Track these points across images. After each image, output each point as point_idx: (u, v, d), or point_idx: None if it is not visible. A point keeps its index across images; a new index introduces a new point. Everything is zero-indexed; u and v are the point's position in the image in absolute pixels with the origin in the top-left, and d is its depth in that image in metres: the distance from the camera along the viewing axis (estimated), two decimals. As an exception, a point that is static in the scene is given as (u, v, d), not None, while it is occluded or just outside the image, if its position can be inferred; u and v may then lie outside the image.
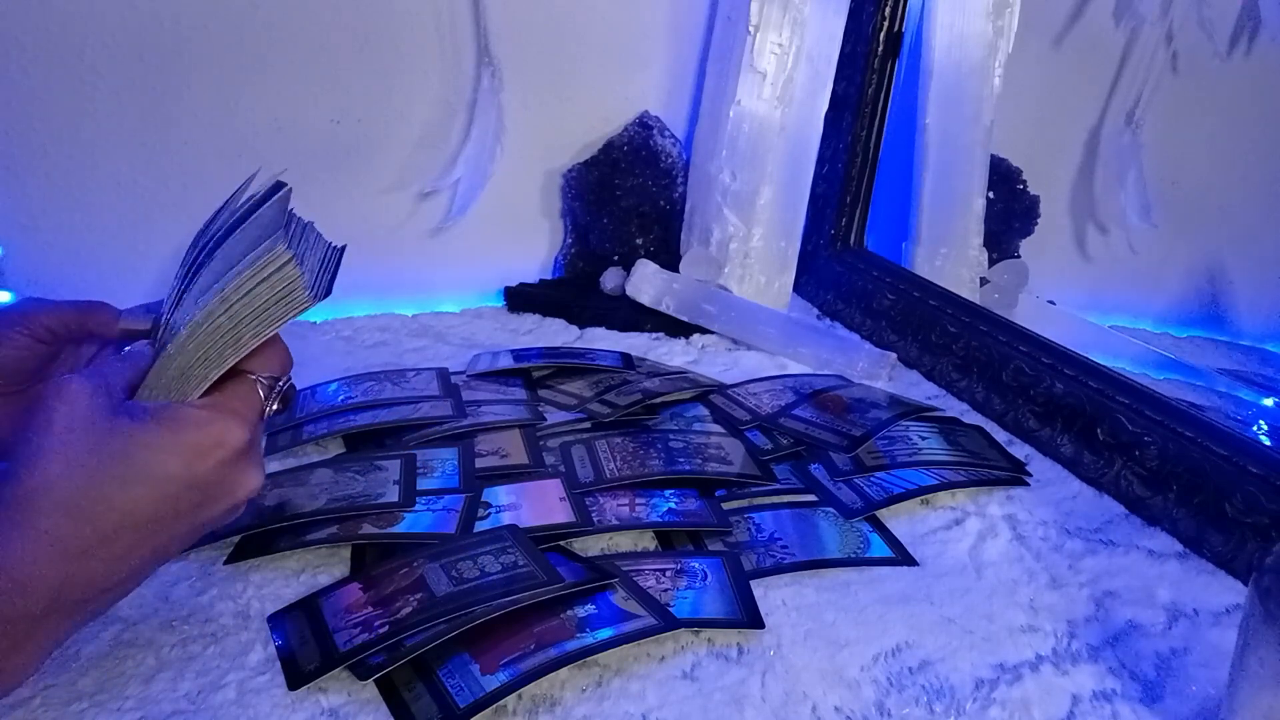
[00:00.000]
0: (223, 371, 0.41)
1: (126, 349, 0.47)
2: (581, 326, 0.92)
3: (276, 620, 0.47)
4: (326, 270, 0.43)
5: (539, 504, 0.57)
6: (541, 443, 0.65)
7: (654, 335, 0.90)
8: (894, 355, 0.84)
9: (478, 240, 0.95)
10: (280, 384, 0.43)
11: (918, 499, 0.62)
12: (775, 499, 0.61)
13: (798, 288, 0.99)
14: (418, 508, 0.56)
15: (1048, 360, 0.73)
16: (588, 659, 0.44)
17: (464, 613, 0.45)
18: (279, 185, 0.44)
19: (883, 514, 0.60)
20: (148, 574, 0.42)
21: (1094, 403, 0.68)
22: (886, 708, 0.44)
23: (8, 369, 0.47)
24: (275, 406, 0.43)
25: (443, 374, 0.75)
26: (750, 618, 0.49)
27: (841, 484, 0.63)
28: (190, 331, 0.40)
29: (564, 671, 0.44)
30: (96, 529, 0.37)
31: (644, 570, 0.52)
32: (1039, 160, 0.96)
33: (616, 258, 0.95)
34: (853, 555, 0.56)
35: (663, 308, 0.91)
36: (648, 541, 0.56)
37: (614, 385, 0.74)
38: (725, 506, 0.59)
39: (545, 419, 0.69)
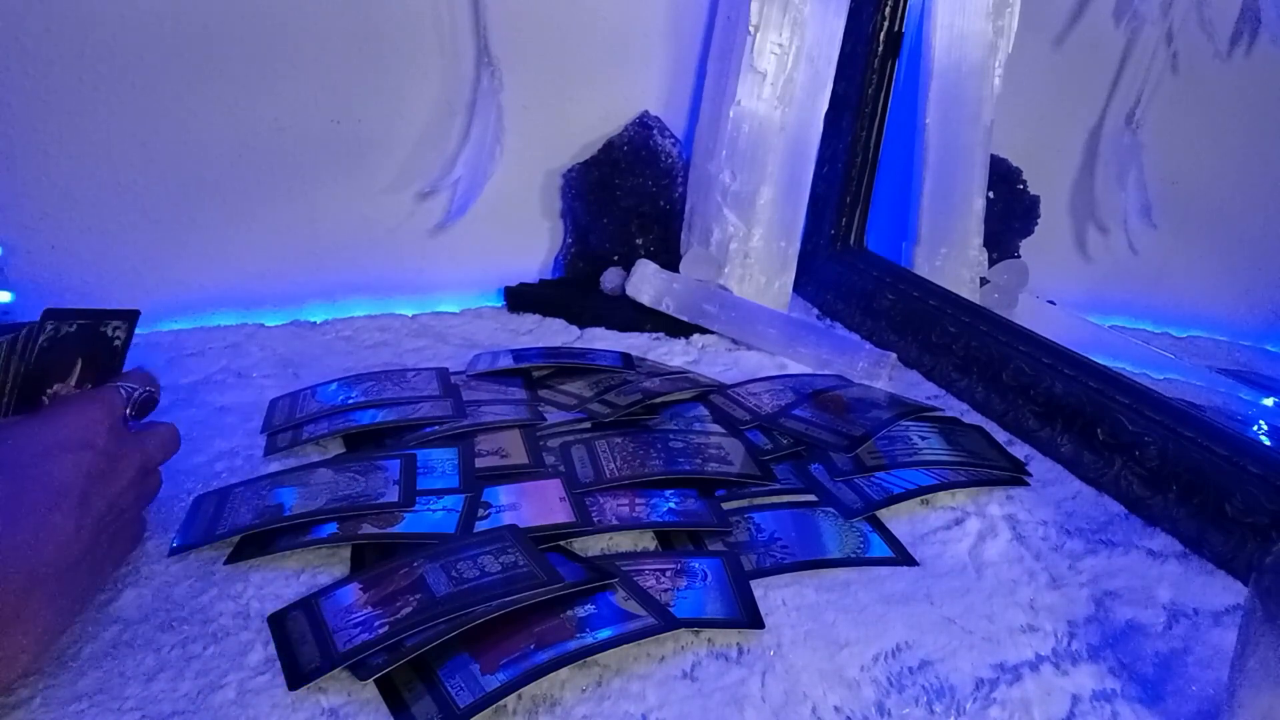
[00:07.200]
0: None
1: None
2: (581, 326, 0.92)
3: (276, 620, 0.47)
4: None
5: (539, 504, 0.57)
6: (541, 443, 0.65)
7: (654, 335, 0.90)
8: (894, 355, 0.84)
9: (478, 240, 0.95)
10: (136, 393, 0.52)
11: (918, 499, 0.62)
12: (775, 499, 0.61)
13: (798, 288, 0.99)
14: (418, 508, 0.56)
15: (1048, 360, 0.73)
16: (588, 659, 0.44)
17: (464, 613, 0.45)
18: None
19: (883, 514, 0.60)
20: (102, 550, 0.47)
21: (1094, 403, 0.68)
22: (886, 708, 0.44)
23: None
24: (131, 411, 0.52)
25: (443, 374, 0.75)
26: (750, 618, 0.49)
27: (841, 484, 0.63)
28: None
29: (564, 671, 0.44)
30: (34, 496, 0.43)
31: (644, 570, 0.52)
32: (1039, 160, 0.96)
33: (616, 258, 0.95)
34: (853, 555, 0.56)
35: (663, 308, 0.91)
36: (648, 541, 0.56)
37: (614, 385, 0.74)
38: (725, 506, 0.59)
39: (545, 419, 0.69)
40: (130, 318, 0.53)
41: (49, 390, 0.49)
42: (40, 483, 0.43)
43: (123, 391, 0.51)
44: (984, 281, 0.95)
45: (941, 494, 0.63)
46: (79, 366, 0.50)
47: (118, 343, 0.53)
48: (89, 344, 0.51)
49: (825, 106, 0.92)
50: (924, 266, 0.94)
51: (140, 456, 0.50)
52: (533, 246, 0.99)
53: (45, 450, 0.44)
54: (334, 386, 0.72)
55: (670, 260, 0.94)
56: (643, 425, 0.69)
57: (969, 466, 0.66)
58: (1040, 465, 0.69)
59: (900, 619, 0.50)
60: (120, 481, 0.48)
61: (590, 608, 0.47)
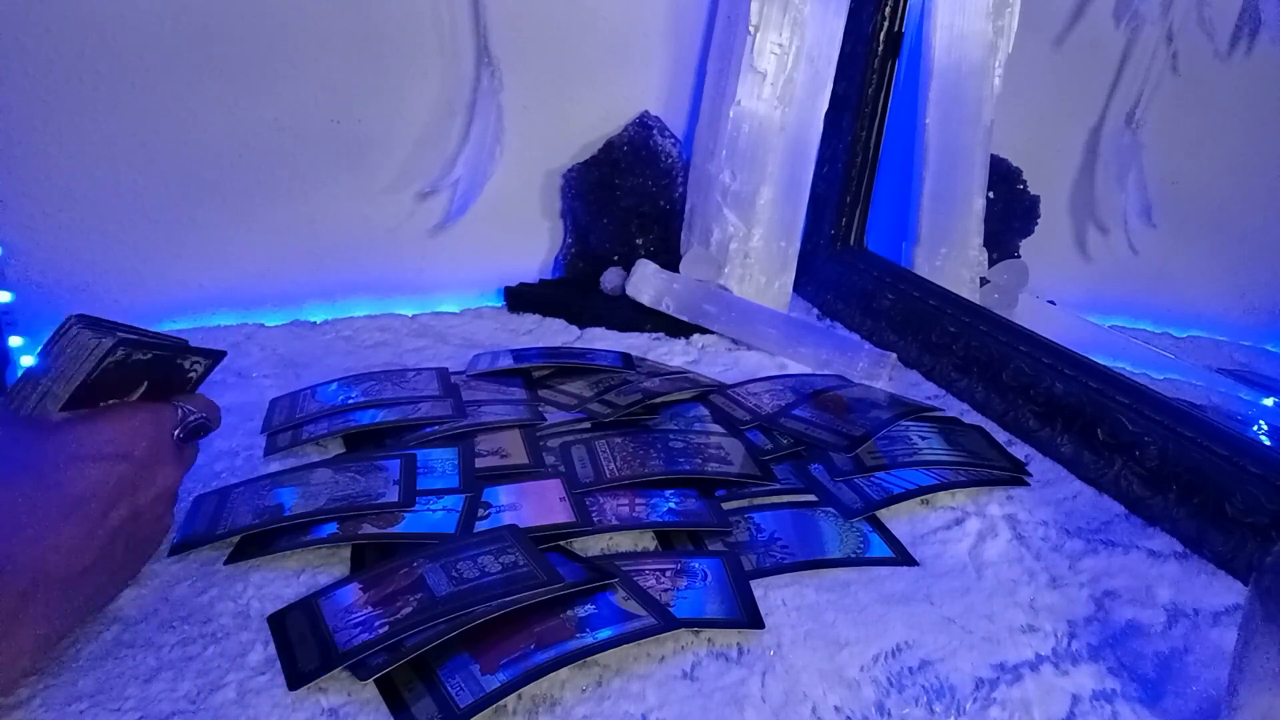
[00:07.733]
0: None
1: None
2: (581, 326, 0.92)
3: (276, 620, 0.47)
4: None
5: (539, 504, 0.57)
6: (541, 443, 0.65)
7: (654, 335, 0.90)
8: (894, 355, 0.84)
9: (478, 240, 0.95)
10: (192, 416, 0.51)
11: (918, 499, 0.62)
12: (775, 499, 0.61)
13: (798, 288, 0.99)
14: (418, 508, 0.56)
15: (1048, 360, 0.73)
16: (588, 659, 0.44)
17: (464, 613, 0.45)
18: None
19: (883, 514, 0.60)
20: (117, 558, 0.46)
21: (1094, 403, 0.68)
22: (886, 708, 0.44)
23: None
24: (180, 434, 0.50)
25: (443, 374, 0.75)
26: (750, 618, 0.49)
27: (841, 484, 0.63)
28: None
29: (564, 671, 0.44)
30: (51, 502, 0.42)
31: (644, 570, 0.52)
32: (1039, 160, 0.96)
33: (616, 258, 0.95)
34: (853, 555, 0.56)
35: (663, 308, 0.91)
36: (648, 541, 0.56)
37: (614, 385, 0.74)
38: (725, 506, 0.59)
39: (545, 419, 0.69)
40: (215, 357, 0.53)
41: (103, 404, 0.48)
42: (59, 490, 0.43)
43: (179, 412, 0.50)
44: (984, 281, 0.95)
45: (941, 494, 0.63)
46: (143, 388, 0.49)
47: (194, 375, 0.52)
48: (161, 372, 0.50)
49: (825, 106, 0.92)
50: (924, 266, 0.94)
51: (177, 473, 0.50)
52: (533, 246, 0.99)
53: (74, 458, 0.44)
54: (334, 386, 0.72)
55: (670, 260, 0.94)
56: (643, 425, 0.69)
57: (969, 466, 0.66)
58: (1040, 465, 0.69)
59: (900, 619, 0.50)
60: (150, 491, 0.48)
61: (590, 608, 0.47)
